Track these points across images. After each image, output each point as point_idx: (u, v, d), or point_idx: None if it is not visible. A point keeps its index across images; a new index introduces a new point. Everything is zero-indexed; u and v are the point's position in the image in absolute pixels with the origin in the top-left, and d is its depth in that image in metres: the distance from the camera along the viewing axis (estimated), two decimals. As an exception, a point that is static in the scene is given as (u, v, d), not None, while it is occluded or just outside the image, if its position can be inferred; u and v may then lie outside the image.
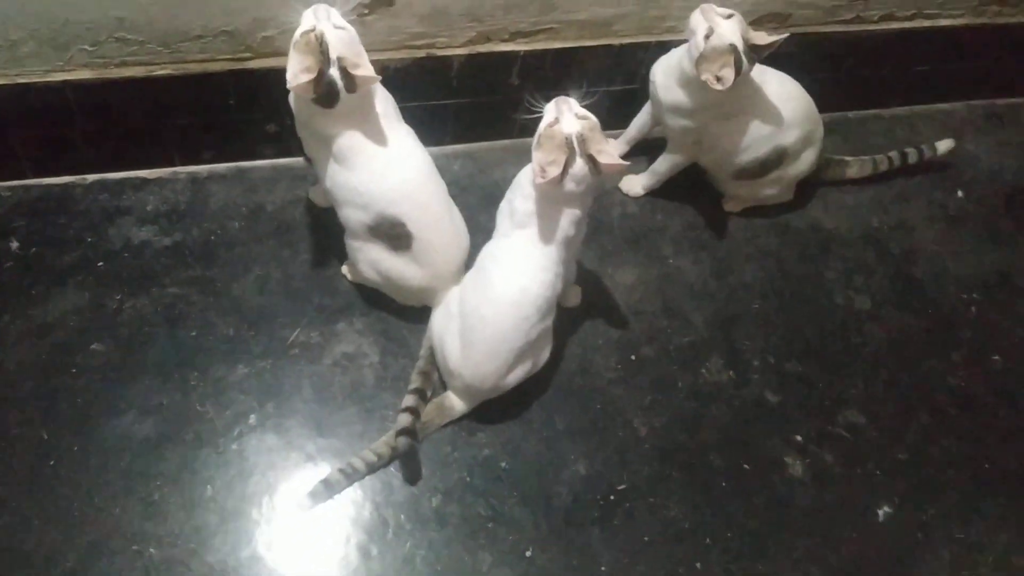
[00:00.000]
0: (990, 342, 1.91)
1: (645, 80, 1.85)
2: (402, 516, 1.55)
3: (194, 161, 1.93)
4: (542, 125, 1.44)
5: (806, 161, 1.93)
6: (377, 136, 1.55)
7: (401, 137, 1.59)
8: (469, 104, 1.95)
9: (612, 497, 1.61)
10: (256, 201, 1.91)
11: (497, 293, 1.52)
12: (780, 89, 1.83)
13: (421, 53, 1.83)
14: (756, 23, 1.98)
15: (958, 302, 1.97)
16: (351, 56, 1.45)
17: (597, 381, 1.75)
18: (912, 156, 2.11)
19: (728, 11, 1.65)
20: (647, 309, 1.86)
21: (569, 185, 1.43)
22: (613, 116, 2.03)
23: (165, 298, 1.75)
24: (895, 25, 2.10)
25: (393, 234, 1.58)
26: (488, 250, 1.58)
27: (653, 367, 1.78)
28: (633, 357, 1.79)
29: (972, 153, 2.26)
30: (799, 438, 1.72)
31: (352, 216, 1.60)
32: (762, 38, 1.64)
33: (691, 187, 2.01)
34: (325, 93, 1.46)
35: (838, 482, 1.67)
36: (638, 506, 1.60)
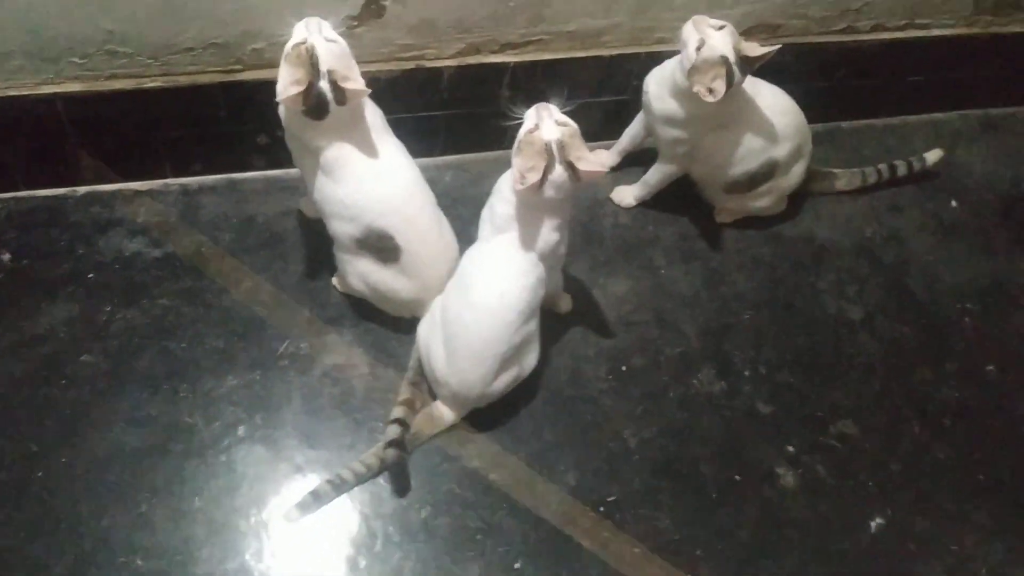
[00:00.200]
0: (984, 352, 1.90)
1: (636, 91, 1.85)
2: (391, 528, 1.54)
3: (185, 173, 1.93)
4: (522, 131, 1.44)
5: (796, 174, 1.93)
6: (366, 149, 1.55)
7: (390, 150, 1.59)
8: (460, 115, 1.95)
9: (602, 508, 1.60)
10: (247, 213, 1.91)
11: (478, 298, 1.52)
12: (773, 102, 1.83)
13: (411, 65, 1.84)
14: (747, 33, 1.98)
15: (952, 312, 1.96)
16: (342, 69, 1.45)
17: (587, 391, 1.74)
18: (901, 168, 2.11)
19: (720, 23, 1.65)
20: (638, 319, 1.86)
21: (549, 191, 1.43)
22: (604, 127, 2.05)
23: (155, 309, 1.75)
24: (886, 35, 2.10)
25: (381, 246, 1.58)
26: (470, 255, 1.59)
27: (644, 378, 1.77)
28: (624, 368, 1.78)
29: (966, 162, 2.26)
30: (791, 449, 1.71)
31: (340, 228, 1.60)
32: (754, 50, 1.64)
33: (683, 198, 2.01)
34: (315, 105, 1.46)
35: (830, 493, 1.66)
36: (628, 517, 1.59)
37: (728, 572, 1.56)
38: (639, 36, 1.93)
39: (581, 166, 1.42)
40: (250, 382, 1.68)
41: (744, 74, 1.66)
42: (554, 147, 1.41)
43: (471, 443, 1.65)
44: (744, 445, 1.71)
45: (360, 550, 1.51)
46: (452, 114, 1.95)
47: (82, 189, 1.90)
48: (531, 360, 1.62)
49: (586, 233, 1.97)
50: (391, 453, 1.55)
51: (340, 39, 1.48)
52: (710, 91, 1.63)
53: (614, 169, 2.07)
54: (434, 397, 1.65)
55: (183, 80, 1.75)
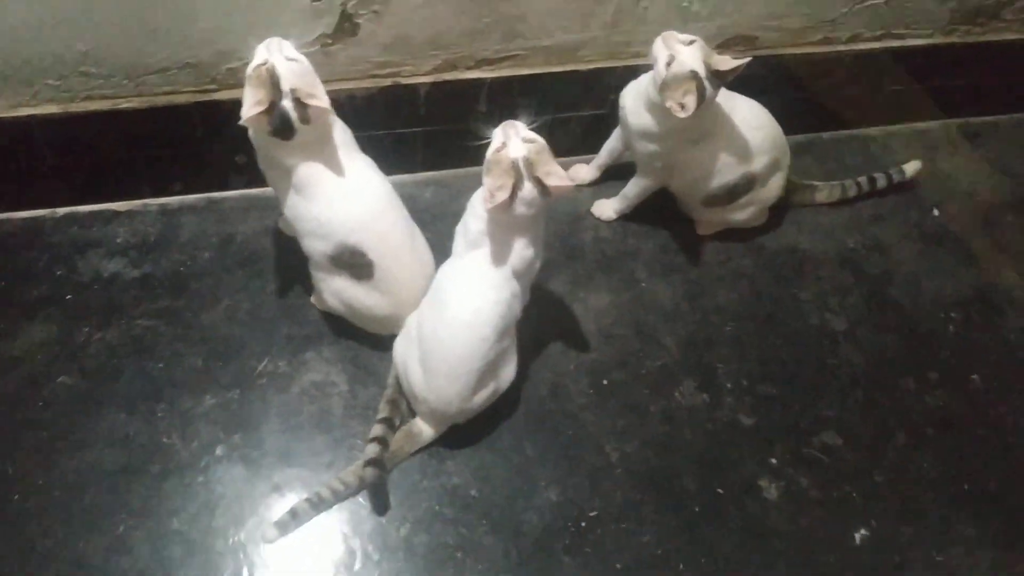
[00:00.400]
0: (968, 361, 1.89)
1: (614, 105, 1.85)
2: (370, 546, 1.53)
3: (164, 193, 1.94)
4: (490, 150, 1.44)
5: (774, 187, 1.93)
6: (336, 166, 1.55)
7: (360, 166, 1.60)
8: (438, 131, 1.96)
9: (583, 524, 1.58)
10: (226, 231, 1.91)
11: (452, 315, 1.51)
12: (749, 116, 1.84)
13: (387, 82, 1.84)
14: (724, 46, 2.00)
15: (935, 321, 1.95)
16: (304, 87, 1.46)
17: (568, 406, 1.73)
18: (880, 181, 2.11)
19: (690, 37, 1.66)
20: (619, 333, 1.85)
21: (520, 208, 1.43)
22: (584, 141, 2.05)
23: (134, 330, 1.75)
24: (863, 46, 2.11)
25: (355, 263, 1.58)
26: (444, 272, 1.58)
27: (625, 391, 1.76)
28: (605, 381, 1.77)
29: (947, 172, 2.26)
30: (774, 461, 1.70)
31: (314, 246, 1.60)
32: (725, 63, 1.64)
33: (664, 210, 2.01)
34: (280, 125, 1.47)
35: (814, 505, 1.65)
36: (610, 532, 1.58)
37: (711, 586, 1.54)
38: (615, 50, 1.93)
39: (549, 181, 1.42)
40: (228, 401, 1.67)
41: (716, 88, 1.66)
42: (521, 164, 1.41)
43: (451, 459, 1.64)
44: (727, 458, 1.69)
45: (339, 569, 1.50)
46: (430, 130, 1.96)
47: (61, 210, 1.91)
48: (508, 375, 1.61)
49: (566, 247, 1.97)
50: (370, 471, 1.54)
51: (302, 58, 1.49)
52: (682, 106, 1.63)
53: (594, 183, 2.08)
54: (413, 414, 1.64)
55: (159, 100, 1.76)
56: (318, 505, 1.53)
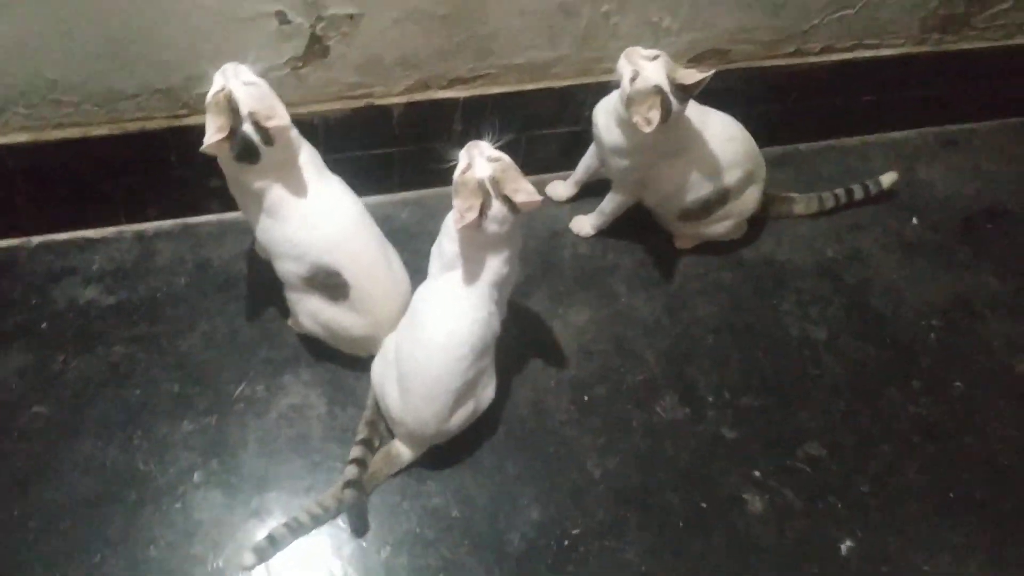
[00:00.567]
0: (951, 369, 1.88)
1: (589, 121, 1.85)
2: (350, 569, 1.51)
3: (140, 219, 1.93)
4: (456, 172, 1.45)
5: (750, 200, 1.93)
6: (305, 187, 1.56)
7: (330, 186, 1.60)
8: (413, 151, 1.95)
9: (566, 542, 1.57)
10: (202, 256, 1.90)
11: (429, 336, 1.51)
12: (721, 129, 1.84)
13: (360, 103, 1.84)
14: (696, 60, 2.00)
15: (917, 329, 1.95)
16: (264, 110, 1.46)
17: (549, 423, 1.72)
18: (858, 192, 2.12)
19: (654, 52, 1.66)
20: (600, 348, 1.84)
21: (491, 227, 1.43)
22: (560, 158, 2.05)
23: (110, 357, 1.73)
24: (836, 57, 2.11)
25: (329, 283, 1.58)
26: (420, 294, 1.58)
27: (606, 407, 1.76)
28: (586, 397, 1.77)
29: (926, 180, 2.26)
30: (758, 473, 1.69)
31: (288, 268, 1.60)
32: (689, 77, 1.64)
33: (642, 225, 2.01)
34: (243, 149, 1.48)
35: (799, 517, 1.64)
36: (593, 550, 1.57)
37: (696, 602, 1.53)
38: (587, 67, 1.94)
39: (517, 198, 1.42)
40: (206, 427, 1.66)
41: (682, 102, 1.66)
42: (488, 184, 1.41)
43: (432, 480, 1.63)
44: (710, 471, 1.69)
45: (319, 594, 1.49)
46: (405, 150, 1.95)
47: (36, 239, 1.90)
48: (488, 395, 1.60)
49: (545, 264, 1.96)
50: (349, 494, 1.53)
51: (260, 81, 1.50)
52: (647, 121, 1.63)
53: (572, 200, 2.08)
54: (392, 436, 1.63)
55: (131, 127, 1.75)
56: (296, 530, 1.52)
